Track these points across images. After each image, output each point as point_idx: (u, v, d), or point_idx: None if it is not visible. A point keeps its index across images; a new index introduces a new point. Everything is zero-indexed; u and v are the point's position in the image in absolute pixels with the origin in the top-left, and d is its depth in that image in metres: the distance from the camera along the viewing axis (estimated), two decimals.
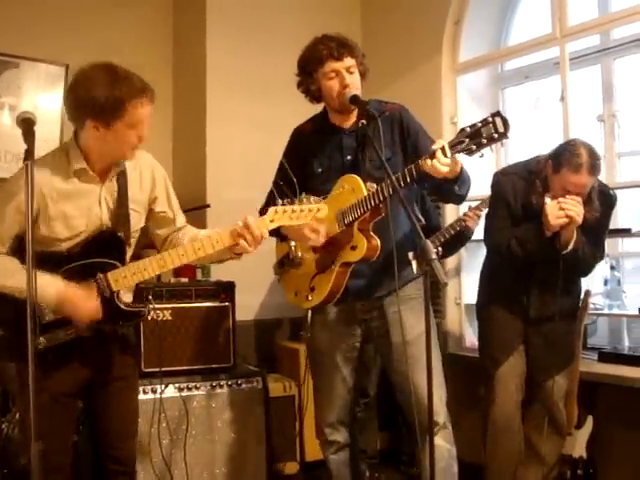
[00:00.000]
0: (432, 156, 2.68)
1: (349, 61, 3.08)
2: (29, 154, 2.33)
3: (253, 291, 4.55)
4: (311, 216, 2.75)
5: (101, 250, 2.75)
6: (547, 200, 3.34)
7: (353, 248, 3.00)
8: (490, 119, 2.54)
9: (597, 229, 3.44)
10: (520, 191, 3.49)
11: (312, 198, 2.89)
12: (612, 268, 4.10)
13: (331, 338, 3.27)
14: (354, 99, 3.02)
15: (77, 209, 2.72)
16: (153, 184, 2.94)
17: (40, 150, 2.51)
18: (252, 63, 5.11)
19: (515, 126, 3.77)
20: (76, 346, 2.73)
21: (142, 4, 5.36)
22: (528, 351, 3.56)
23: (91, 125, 2.62)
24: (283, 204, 2.76)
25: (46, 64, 4.94)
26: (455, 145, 2.64)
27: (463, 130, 2.62)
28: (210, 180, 4.93)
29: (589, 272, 3.60)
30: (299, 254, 3.23)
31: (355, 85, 3.09)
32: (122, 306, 2.78)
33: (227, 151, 4.97)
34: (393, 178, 2.73)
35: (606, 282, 4.11)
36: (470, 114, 4.61)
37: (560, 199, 3.27)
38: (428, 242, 2.37)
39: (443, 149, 2.66)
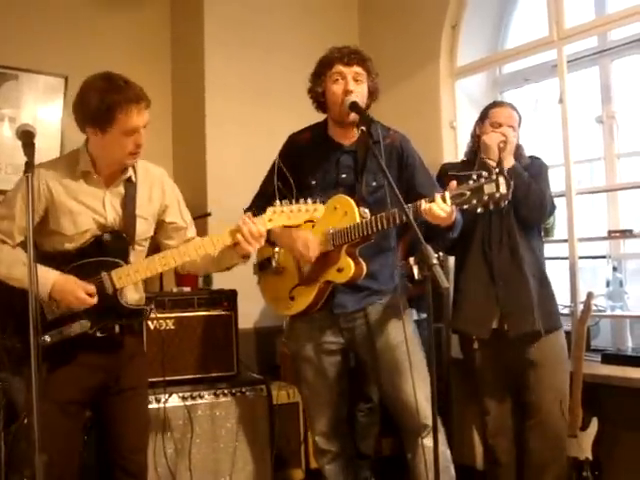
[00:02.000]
0: (431, 200, 2.71)
1: (358, 69, 3.09)
2: (29, 166, 2.35)
3: (252, 299, 4.52)
4: (308, 216, 2.77)
5: (106, 250, 2.81)
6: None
7: (339, 270, 3.03)
8: (494, 177, 2.56)
9: (538, 177, 3.59)
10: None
11: (309, 200, 2.89)
12: (614, 269, 4.09)
13: (314, 345, 3.26)
14: (354, 105, 3.01)
15: (82, 207, 2.80)
16: (163, 195, 3.00)
17: (41, 161, 2.53)
18: (251, 69, 5.11)
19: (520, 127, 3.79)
20: (80, 353, 2.76)
21: (140, 13, 5.36)
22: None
23: (91, 131, 2.74)
24: (281, 204, 2.77)
25: (45, 76, 4.94)
26: (456, 196, 2.66)
27: (467, 183, 2.65)
28: (211, 188, 4.93)
29: (546, 210, 3.64)
30: (281, 262, 3.23)
31: (360, 94, 3.08)
32: (125, 304, 2.82)
33: (227, 159, 4.97)
34: (396, 212, 2.77)
35: (608, 283, 4.11)
36: (469, 118, 4.60)
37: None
38: (429, 247, 2.38)
39: (444, 197, 2.69)
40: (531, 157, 3.76)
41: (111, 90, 2.66)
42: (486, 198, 2.58)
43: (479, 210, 2.65)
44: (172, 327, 4.00)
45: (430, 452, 2.77)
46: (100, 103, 2.64)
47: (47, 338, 2.67)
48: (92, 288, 2.72)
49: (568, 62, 4.20)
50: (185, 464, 3.81)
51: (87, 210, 2.81)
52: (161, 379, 3.64)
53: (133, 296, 2.94)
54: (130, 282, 2.81)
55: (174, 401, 3.85)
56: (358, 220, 2.93)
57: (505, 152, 3.46)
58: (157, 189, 2.99)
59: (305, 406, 3.40)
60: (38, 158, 2.45)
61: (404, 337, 3.01)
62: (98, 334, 2.79)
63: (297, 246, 3.06)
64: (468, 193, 2.62)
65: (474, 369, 3.74)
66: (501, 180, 2.56)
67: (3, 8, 4.84)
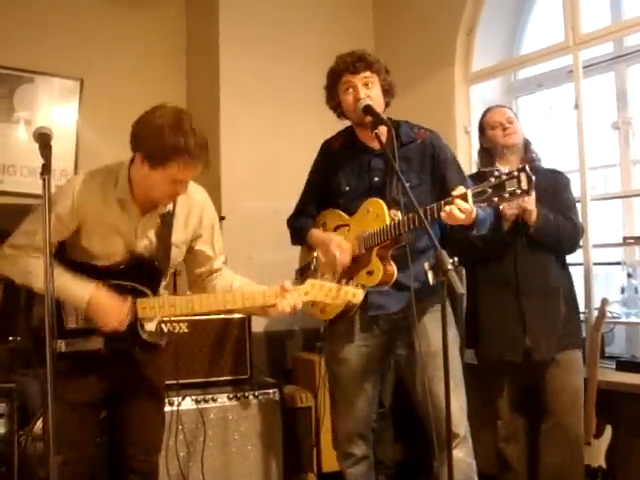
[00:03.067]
0: (450, 202, 2.70)
1: (366, 74, 3.09)
2: (46, 169, 2.35)
3: None
4: (345, 300, 2.78)
5: (136, 276, 2.77)
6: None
7: (369, 273, 3.01)
8: (516, 173, 2.54)
9: (561, 204, 3.56)
10: None
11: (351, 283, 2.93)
12: (629, 276, 4.08)
13: (352, 348, 3.23)
14: (367, 109, 3.01)
15: (112, 231, 2.75)
16: (199, 224, 2.94)
17: (55, 164, 2.53)
18: (266, 70, 5.11)
19: (529, 135, 3.79)
20: (93, 361, 2.75)
21: (155, 16, 5.39)
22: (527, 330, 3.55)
23: (140, 159, 2.65)
24: (322, 278, 2.85)
25: (60, 78, 4.98)
26: (478, 194, 2.65)
27: (487, 180, 2.63)
28: (224, 192, 4.93)
29: (577, 244, 3.67)
30: (321, 266, 3.22)
31: (373, 98, 3.08)
32: (143, 335, 2.80)
33: (241, 163, 4.97)
34: (421, 212, 2.71)
35: (623, 290, 4.09)
36: None
37: None
38: (444, 252, 2.37)
39: (464, 196, 2.67)
40: (554, 171, 3.74)
41: (179, 135, 2.55)
42: (507, 195, 2.57)
43: (502, 207, 2.65)
44: (186, 330, 4.01)
45: (459, 464, 2.75)
46: (163, 143, 2.55)
47: (62, 345, 2.66)
48: (125, 312, 2.68)
49: (584, 68, 4.18)
50: (198, 467, 3.82)
51: (118, 236, 2.76)
52: (174, 382, 3.64)
53: (151, 326, 2.92)
54: (152, 315, 2.80)
55: (187, 404, 3.86)
56: (388, 222, 2.93)
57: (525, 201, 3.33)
58: (195, 216, 2.92)
59: (336, 409, 3.37)
60: (54, 161, 2.46)
61: (445, 342, 2.99)
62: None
63: (331, 249, 3.07)
64: (490, 190, 2.60)
65: (488, 375, 3.73)
66: (522, 176, 2.53)
67: (19, 11, 4.87)
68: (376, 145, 3.14)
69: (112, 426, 3.02)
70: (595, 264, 4.08)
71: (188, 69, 5.52)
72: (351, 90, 3.09)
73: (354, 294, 2.78)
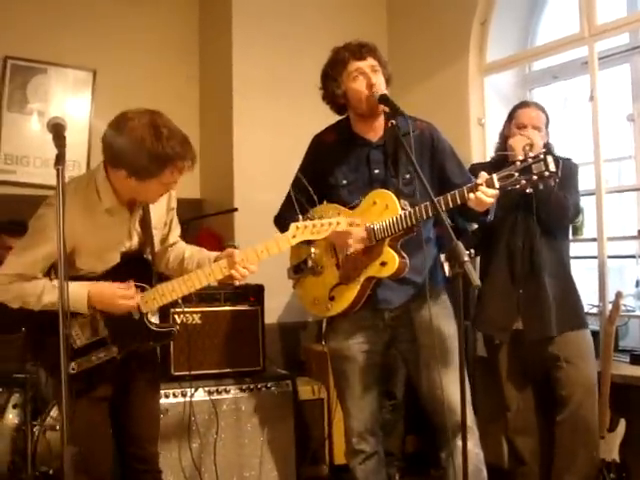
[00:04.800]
0: (476, 188, 2.70)
1: (372, 61, 3.06)
2: (60, 159, 2.34)
3: (276, 294, 4.53)
4: (331, 229, 2.77)
5: (131, 273, 2.78)
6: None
7: (383, 264, 2.97)
8: (542, 156, 2.57)
9: (567, 180, 3.57)
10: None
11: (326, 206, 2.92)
12: None
13: (355, 344, 3.21)
14: (383, 98, 2.98)
15: (109, 243, 2.76)
16: (170, 197, 2.99)
17: (67, 156, 2.52)
18: (278, 66, 5.12)
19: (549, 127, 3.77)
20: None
21: (168, 10, 5.40)
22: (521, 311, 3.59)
23: (123, 175, 2.62)
24: (304, 219, 2.78)
25: (73, 69, 4.99)
26: (504, 178, 2.65)
27: (513, 163, 2.64)
28: (237, 184, 4.93)
29: (566, 217, 3.63)
30: (319, 261, 3.20)
31: (381, 86, 3.06)
32: (153, 327, 2.81)
33: (254, 154, 4.98)
34: (436, 202, 2.71)
35: (637, 283, 4.08)
36: (498, 115, 4.58)
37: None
38: (460, 244, 2.36)
39: (490, 181, 2.67)
40: (561, 158, 3.72)
41: (162, 144, 2.55)
42: (535, 178, 2.58)
43: (528, 190, 2.64)
44: (198, 321, 4.01)
45: (468, 455, 2.74)
46: (150, 159, 2.55)
47: (73, 366, 2.66)
48: (129, 291, 2.71)
49: (599, 59, 4.15)
50: (210, 458, 3.84)
51: (114, 245, 2.78)
52: (187, 373, 3.65)
53: (155, 318, 2.92)
54: (156, 306, 2.81)
55: (200, 395, 3.88)
56: (400, 212, 2.91)
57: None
58: (165, 197, 2.93)
59: (343, 406, 3.36)
60: (67, 152, 2.45)
61: (449, 334, 2.99)
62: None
63: (342, 236, 2.99)
64: (516, 174, 2.61)
65: (496, 366, 3.73)
66: (549, 159, 2.55)
67: (32, 4, 4.88)
68: (374, 137, 3.13)
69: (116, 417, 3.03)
70: (609, 257, 4.05)
71: (201, 62, 5.53)
72: (361, 77, 3.04)
73: (337, 222, 2.77)
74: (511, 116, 3.73)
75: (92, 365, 2.71)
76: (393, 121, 2.95)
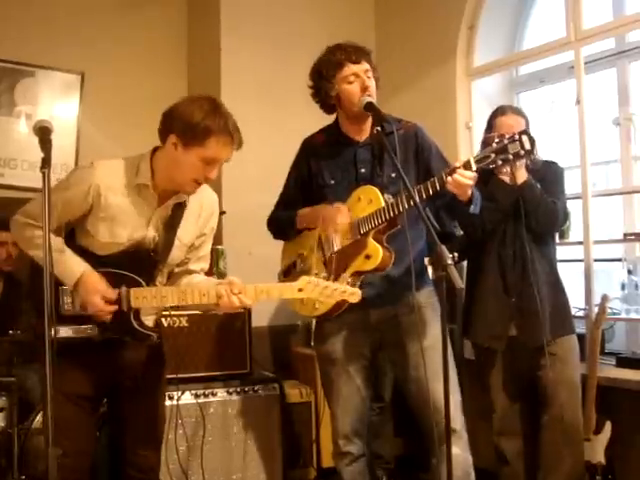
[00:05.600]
0: (453, 171, 2.71)
1: (366, 65, 3.08)
2: (46, 162, 2.34)
3: None
4: (342, 297, 2.72)
5: (133, 266, 2.76)
6: None
7: (367, 257, 2.96)
8: (517, 137, 2.58)
9: (553, 184, 3.61)
10: None
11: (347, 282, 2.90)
12: (629, 272, 4.07)
13: (343, 347, 3.21)
14: (369, 106, 3.00)
15: (125, 220, 2.74)
16: (206, 223, 2.95)
17: (55, 158, 2.52)
18: (266, 69, 5.14)
19: (530, 130, 3.78)
20: (88, 348, 2.74)
21: (157, 12, 5.40)
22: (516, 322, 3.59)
23: (172, 140, 2.65)
24: (316, 275, 2.82)
25: (62, 72, 4.98)
26: (481, 160, 2.66)
27: (489, 145, 2.66)
28: (225, 187, 4.93)
29: (556, 223, 3.65)
30: (306, 263, 3.21)
31: (373, 90, 3.08)
32: (135, 324, 2.78)
33: (242, 158, 4.93)
34: (413, 191, 2.72)
35: (623, 286, 4.08)
36: (485, 119, 4.59)
37: None
38: (444, 247, 2.37)
39: (467, 163, 2.68)
40: (547, 162, 3.74)
41: (218, 115, 2.63)
42: (511, 157, 2.61)
43: (505, 170, 2.68)
44: (185, 324, 4.02)
45: (456, 459, 2.73)
46: (201, 120, 2.60)
47: (61, 331, 2.66)
48: (111, 296, 2.68)
49: (585, 63, 4.18)
50: (197, 461, 3.84)
51: (129, 224, 2.75)
52: (174, 376, 3.64)
53: (149, 320, 2.89)
54: (147, 305, 2.76)
55: (187, 398, 3.88)
56: (383, 204, 2.91)
57: (515, 166, 3.43)
58: (205, 214, 2.93)
59: (330, 408, 3.36)
60: (55, 155, 2.45)
61: (437, 337, 2.98)
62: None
63: (327, 215, 3.03)
64: (492, 155, 2.63)
65: (483, 368, 3.73)
66: (524, 138, 2.57)
67: (20, 6, 4.88)
68: (361, 137, 3.15)
69: (112, 420, 3.01)
70: (595, 260, 4.08)
71: (189, 65, 5.54)
72: (355, 79, 3.06)
73: (352, 293, 2.71)
74: (490, 125, 3.73)
75: (72, 336, 2.69)
76: (378, 128, 2.96)
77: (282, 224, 3.33)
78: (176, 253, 2.86)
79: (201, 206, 2.90)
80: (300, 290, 2.68)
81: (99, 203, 2.70)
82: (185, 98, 2.74)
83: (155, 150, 2.78)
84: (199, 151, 2.62)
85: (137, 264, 2.77)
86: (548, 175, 3.65)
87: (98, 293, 2.66)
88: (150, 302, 2.75)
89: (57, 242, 2.68)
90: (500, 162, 2.64)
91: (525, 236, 3.54)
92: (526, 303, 3.53)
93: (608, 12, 4.30)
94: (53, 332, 2.39)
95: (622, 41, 4.24)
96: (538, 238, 3.59)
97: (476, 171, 2.71)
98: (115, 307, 2.68)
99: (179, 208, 2.82)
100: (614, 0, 4.29)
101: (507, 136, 2.64)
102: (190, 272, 2.97)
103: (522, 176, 3.49)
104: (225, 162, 2.73)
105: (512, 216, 3.56)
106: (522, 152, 2.59)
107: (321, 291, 2.68)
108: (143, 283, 2.76)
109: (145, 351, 2.92)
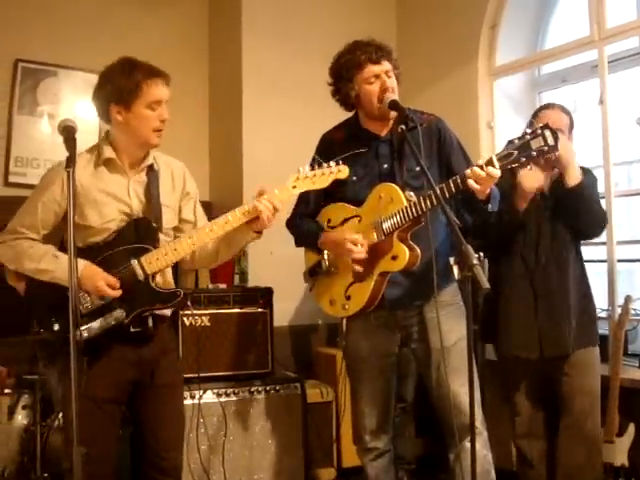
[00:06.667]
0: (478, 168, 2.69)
1: (387, 65, 3.07)
2: (70, 161, 2.36)
3: (287, 296, 4.53)
4: (332, 177, 2.85)
5: (136, 237, 2.82)
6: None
7: (394, 258, 2.97)
8: (539, 131, 2.55)
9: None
10: None
11: (332, 163, 2.91)
12: None
13: (370, 345, 3.23)
14: (394, 104, 3.00)
15: (107, 196, 2.82)
16: (184, 183, 3.06)
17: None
18: (287, 66, 5.14)
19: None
20: (113, 347, 2.77)
21: (178, 9, 5.41)
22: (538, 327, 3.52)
23: (115, 110, 2.79)
24: (304, 170, 2.84)
25: (84, 72, 4.98)
26: (504, 157, 2.64)
27: (511, 142, 2.62)
28: (247, 186, 4.93)
29: (603, 226, 3.57)
30: (332, 263, 3.20)
31: (394, 89, 3.07)
32: (158, 289, 2.83)
33: (263, 154, 4.97)
34: (437, 189, 2.71)
35: None
36: (507, 118, 4.59)
37: None
38: (469, 247, 2.36)
39: (490, 161, 2.66)
40: (582, 168, 3.68)
41: (133, 67, 2.80)
42: (534, 154, 2.57)
43: (528, 168, 2.72)
44: (207, 324, 4.02)
45: (476, 456, 2.74)
46: (124, 79, 2.76)
47: (85, 333, 2.68)
48: (113, 280, 2.73)
49: (609, 62, 4.15)
50: (219, 460, 3.84)
51: (112, 200, 2.82)
52: (196, 375, 3.66)
53: (163, 283, 2.96)
54: (161, 266, 2.81)
55: (208, 397, 3.89)
56: (405, 204, 2.91)
57: (569, 164, 3.38)
58: (179, 177, 3.04)
59: (356, 405, 3.36)
60: (77, 154, 2.46)
61: (461, 335, 2.97)
62: (132, 329, 2.79)
63: (347, 247, 3.02)
64: (515, 152, 2.60)
65: (506, 370, 3.71)
66: (547, 133, 2.54)
67: (43, 6, 4.90)
68: (382, 132, 3.16)
69: (133, 422, 3.02)
70: (619, 261, 4.05)
71: (210, 62, 5.54)
72: (375, 80, 3.06)
73: (339, 170, 2.85)
74: (534, 117, 3.67)
75: (101, 330, 2.73)
76: (403, 126, 2.97)
77: (304, 238, 3.34)
78: (167, 217, 2.95)
79: (171, 172, 3.03)
80: (294, 187, 2.86)
81: (78, 192, 2.74)
82: (99, 75, 2.89)
83: (107, 133, 2.93)
84: (140, 102, 2.77)
85: (139, 234, 2.83)
86: (587, 181, 3.60)
87: (98, 279, 2.71)
88: (165, 261, 2.82)
89: (49, 248, 2.79)
90: (524, 159, 2.61)
91: (566, 234, 3.50)
92: (554, 311, 3.47)
93: (632, 11, 4.27)
94: (79, 333, 2.45)
95: None
96: (577, 240, 3.55)
97: (499, 168, 2.68)
98: (119, 292, 2.74)
99: (153, 175, 2.93)
100: None
101: (528, 130, 2.61)
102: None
103: (576, 178, 3.41)
104: (166, 100, 2.86)
105: (549, 216, 3.51)
106: (545, 148, 2.56)
107: (312, 180, 2.84)
108: (151, 248, 2.82)
109: (163, 349, 2.95)
